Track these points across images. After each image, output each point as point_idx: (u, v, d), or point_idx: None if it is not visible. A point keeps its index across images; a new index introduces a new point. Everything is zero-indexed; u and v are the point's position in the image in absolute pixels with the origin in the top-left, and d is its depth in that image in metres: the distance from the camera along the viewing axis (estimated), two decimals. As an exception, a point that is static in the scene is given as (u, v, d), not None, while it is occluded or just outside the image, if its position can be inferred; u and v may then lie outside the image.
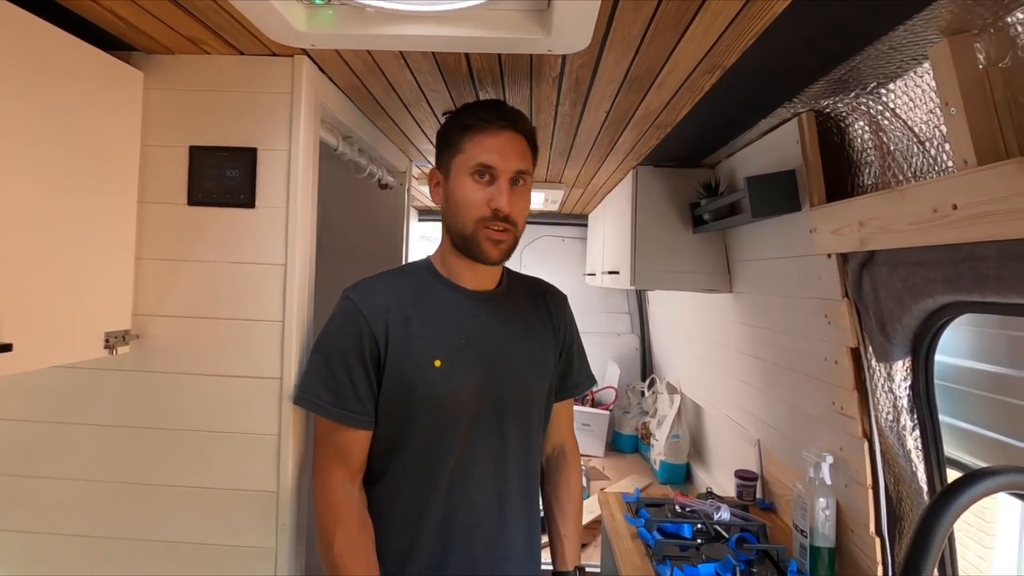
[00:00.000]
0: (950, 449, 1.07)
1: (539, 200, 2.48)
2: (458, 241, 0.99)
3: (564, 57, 0.95)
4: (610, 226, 2.28)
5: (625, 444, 2.89)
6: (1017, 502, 1.11)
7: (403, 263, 1.81)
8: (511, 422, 1.00)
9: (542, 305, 1.11)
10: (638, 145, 1.52)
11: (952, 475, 1.06)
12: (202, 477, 1.00)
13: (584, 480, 2.33)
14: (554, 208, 2.72)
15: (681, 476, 2.42)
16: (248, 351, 0.99)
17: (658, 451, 2.47)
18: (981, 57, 0.81)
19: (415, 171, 1.89)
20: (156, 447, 1.00)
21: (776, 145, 1.36)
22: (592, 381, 1.20)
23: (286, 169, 1.00)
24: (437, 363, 0.95)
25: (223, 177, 0.99)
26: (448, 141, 1.00)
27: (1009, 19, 0.75)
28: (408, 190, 1.81)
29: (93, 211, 0.89)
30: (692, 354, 2.43)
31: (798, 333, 1.41)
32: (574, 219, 3.13)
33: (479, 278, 1.04)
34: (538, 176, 2.08)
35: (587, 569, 1.13)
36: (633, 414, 2.92)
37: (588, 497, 2.23)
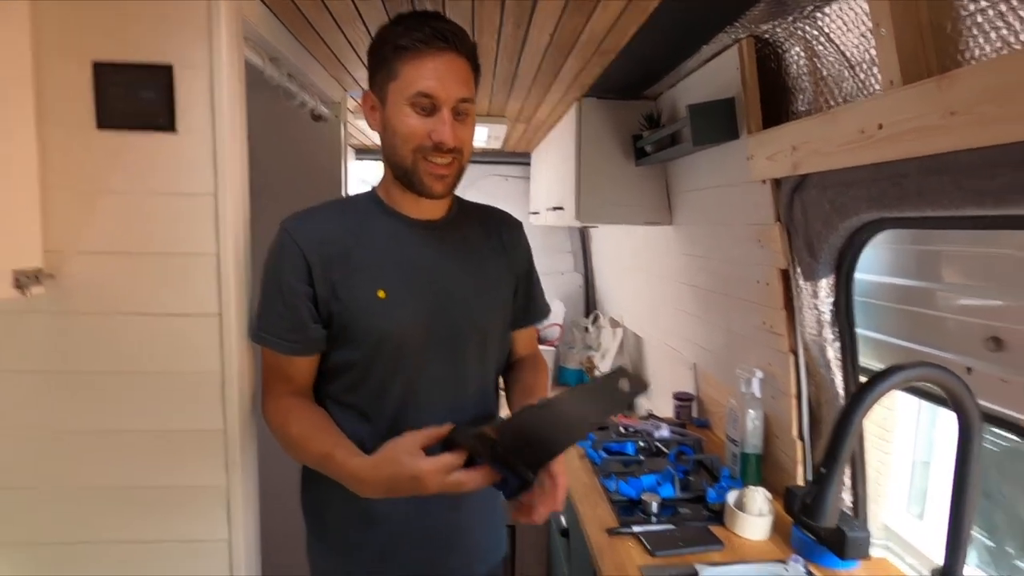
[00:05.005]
0: (864, 359, 1.18)
1: (482, 137, 2.42)
2: (399, 173, 0.94)
3: (507, -31, 0.91)
4: (554, 162, 2.27)
5: (570, 378, 3.00)
6: (911, 417, 1.28)
7: (343, 201, 1.74)
8: (465, 352, 1.00)
9: (494, 233, 1.08)
10: (582, 74, 1.50)
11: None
12: (140, 420, 0.95)
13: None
14: (497, 145, 2.67)
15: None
16: (181, 287, 0.94)
17: (602, 382, 2.59)
18: (910, -23, 0.84)
19: (351, 103, 1.79)
20: (85, 392, 0.94)
21: (716, 73, 1.37)
22: (548, 310, 1.21)
23: (208, 89, 0.91)
24: (381, 294, 0.93)
25: (136, 98, 0.90)
26: (381, 61, 0.91)
27: (938, -62, 0.77)
28: (344, 123, 1.72)
29: (-18, 135, 0.79)
30: (634, 288, 2.52)
31: (733, 260, 1.48)
32: (517, 157, 3.09)
33: (424, 208, 1.00)
34: (480, 109, 2.02)
35: None
36: (577, 349, 3.02)
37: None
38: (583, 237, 3.23)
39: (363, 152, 2.98)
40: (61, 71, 0.89)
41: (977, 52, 0.78)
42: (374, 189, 1.03)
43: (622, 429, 1.72)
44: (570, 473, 1.50)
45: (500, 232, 1.10)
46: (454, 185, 0.96)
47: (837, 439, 0.76)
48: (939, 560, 1.07)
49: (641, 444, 1.61)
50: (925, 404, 1.30)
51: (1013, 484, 1.09)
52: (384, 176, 1.01)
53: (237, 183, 0.96)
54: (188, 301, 0.94)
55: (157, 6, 0.90)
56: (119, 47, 0.90)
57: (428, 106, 0.88)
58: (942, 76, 0.74)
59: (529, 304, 1.15)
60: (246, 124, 1.00)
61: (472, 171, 3.13)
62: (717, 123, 1.29)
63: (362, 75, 1.57)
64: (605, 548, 1.16)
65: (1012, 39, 0.74)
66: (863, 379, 1.19)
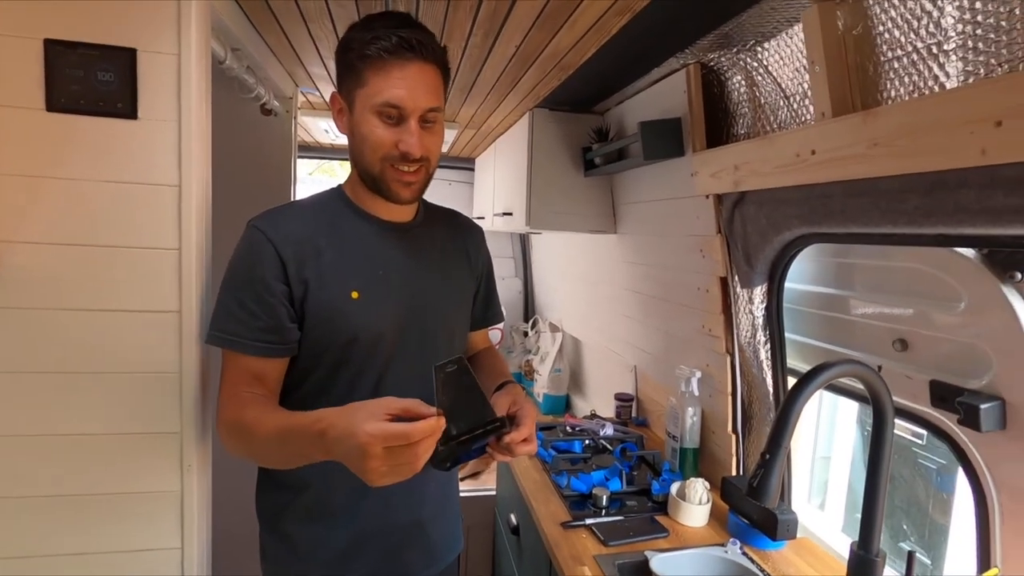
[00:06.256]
0: (790, 360, 1.31)
1: (429, 140, 2.42)
2: (366, 178, 0.95)
3: (485, -19, 0.94)
4: (502, 169, 2.32)
5: (510, 381, 3.05)
6: (811, 418, 1.46)
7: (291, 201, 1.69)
8: (435, 352, 1.01)
9: (459, 237, 1.12)
10: (539, 86, 1.56)
11: (791, 381, 1.30)
12: (89, 423, 0.89)
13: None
14: (443, 150, 2.69)
15: (562, 406, 2.63)
16: (139, 283, 0.89)
17: (541, 385, 2.65)
18: (840, 24, 0.96)
19: (301, 99, 1.75)
20: (29, 393, 0.87)
21: (662, 95, 1.48)
22: (503, 314, 1.25)
23: (175, 76, 0.87)
24: (354, 294, 0.93)
25: (93, 80, 0.85)
26: (348, 66, 0.91)
27: (865, -8, 0.89)
28: (295, 120, 1.67)
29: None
30: (574, 294, 2.61)
31: (675, 267, 1.59)
32: (461, 163, 3.12)
33: (394, 210, 1.01)
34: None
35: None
36: (517, 353, 3.08)
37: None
38: (524, 243, 3.30)
39: (304, 149, 2.88)
40: (8, 48, 0.82)
41: (893, 93, 0.91)
42: (340, 187, 1.02)
43: (568, 428, 1.79)
44: (521, 473, 1.55)
45: (464, 237, 1.14)
46: (421, 191, 0.98)
47: (780, 427, 0.85)
48: (838, 545, 1.22)
49: (587, 442, 1.69)
50: (826, 406, 1.48)
51: (911, 470, 1.26)
52: (351, 176, 1.01)
53: (203, 176, 0.93)
54: (145, 298, 0.90)
55: (121, -14, 0.85)
56: (75, 26, 0.84)
57: (395, 116, 0.88)
58: (867, 112, 0.85)
59: (487, 307, 1.19)
60: (211, 115, 0.97)
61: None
62: (666, 140, 1.39)
63: (317, 71, 1.54)
64: (560, 540, 1.21)
65: (922, 84, 0.87)
66: (791, 379, 1.32)
